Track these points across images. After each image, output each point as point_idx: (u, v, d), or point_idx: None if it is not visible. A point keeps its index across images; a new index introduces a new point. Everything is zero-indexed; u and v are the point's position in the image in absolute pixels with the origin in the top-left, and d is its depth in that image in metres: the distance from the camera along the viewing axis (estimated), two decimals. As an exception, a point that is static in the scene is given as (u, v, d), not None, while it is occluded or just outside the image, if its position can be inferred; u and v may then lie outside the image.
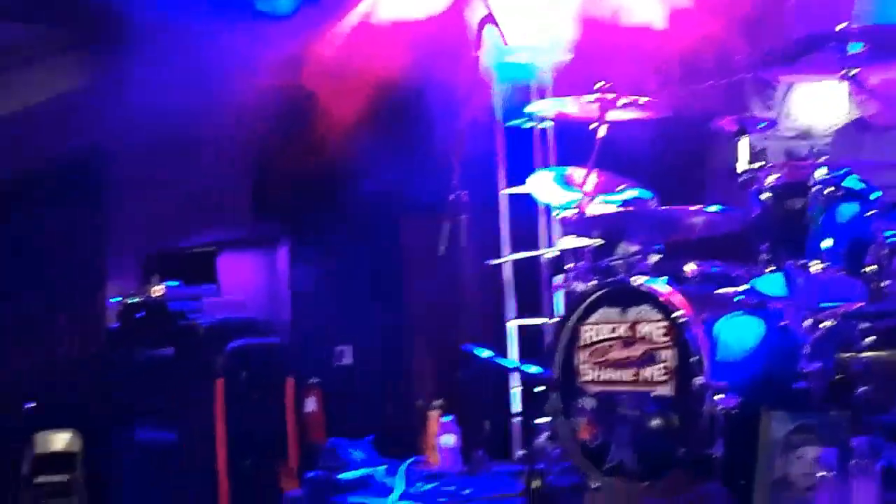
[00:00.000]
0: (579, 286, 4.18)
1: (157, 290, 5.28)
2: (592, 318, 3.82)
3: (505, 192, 5.68)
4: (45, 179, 6.77)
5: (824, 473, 3.10)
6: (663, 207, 4.28)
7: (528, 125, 5.63)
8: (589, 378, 3.78)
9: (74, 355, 7.27)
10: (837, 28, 3.76)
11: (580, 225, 4.29)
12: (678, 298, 3.59)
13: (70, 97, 6.79)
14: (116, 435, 5.67)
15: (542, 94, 5.64)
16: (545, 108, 4.98)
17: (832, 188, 3.62)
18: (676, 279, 3.82)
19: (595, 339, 3.79)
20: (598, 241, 4.24)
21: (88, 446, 7.36)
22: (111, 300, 6.15)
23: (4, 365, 8.01)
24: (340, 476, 4.23)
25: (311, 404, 5.87)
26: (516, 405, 5.45)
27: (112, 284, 7.08)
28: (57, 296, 7.53)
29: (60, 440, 7.49)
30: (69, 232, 7.17)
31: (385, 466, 4.39)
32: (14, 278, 7.94)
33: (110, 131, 6.51)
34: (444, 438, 4.90)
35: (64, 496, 7.33)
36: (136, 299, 5.40)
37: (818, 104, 4.93)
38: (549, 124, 5.56)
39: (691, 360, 3.45)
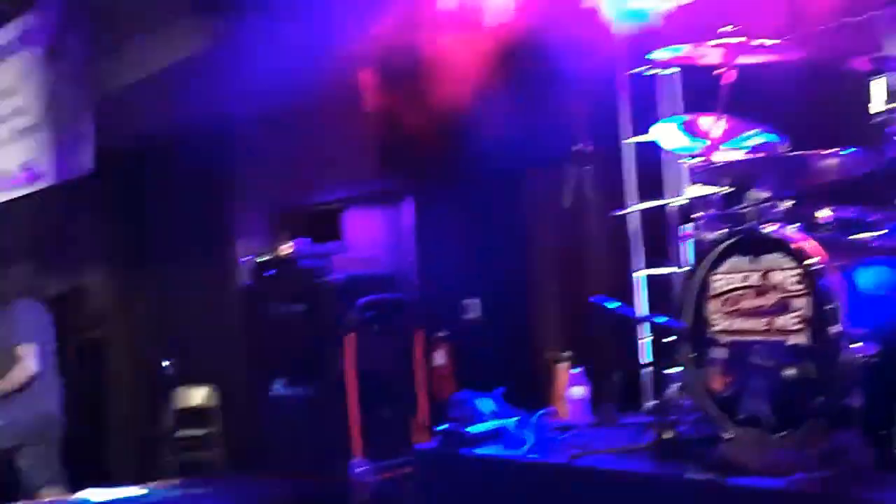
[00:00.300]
0: (709, 235, 4.10)
1: (287, 248, 5.36)
2: (723, 268, 3.75)
3: (629, 140, 5.59)
4: (173, 143, 6.93)
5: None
6: (795, 152, 4.16)
7: (652, 72, 5.52)
8: (720, 328, 3.72)
9: (209, 313, 7.48)
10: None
11: (708, 173, 4.20)
12: (811, 245, 3.50)
13: (194, 62, 6.92)
14: (252, 390, 5.81)
15: (665, 40, 5.53)
16: (669, 55, 4.88)
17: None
18: (809, 226, 3.73)
19: (726, 288, 3.72)
20: (728, 189, 4.15)
21: (226, 401, 7.59)
22: (242, 259, 6.27)
23: (147, 323, 8.29)
24: (471, 429, 4.25)
25: (439, 358, 5.92)
26: (645, 356, 5.40)
27: (242, 243, 7.25)
28: (189, 255, 7.74)
29: (199, 395, 7.73)
30: (199, 192, 7.34)
31: (516, 419, 4.39)
32: (147, 239, 8.19)
33: (236, 93, 6.61)
34: (573, 390, 4.88)
35: (203, 449, 7.57)
36: (267, 257, 5.49)
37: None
38: (673, 70, 5.44)
39: (827, 308, 3.36)
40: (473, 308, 6.42)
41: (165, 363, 7.84)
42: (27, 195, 7.52)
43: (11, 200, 7.68)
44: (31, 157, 7.35)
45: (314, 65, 6.25)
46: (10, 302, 6.85)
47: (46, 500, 6.65)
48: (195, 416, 7.68)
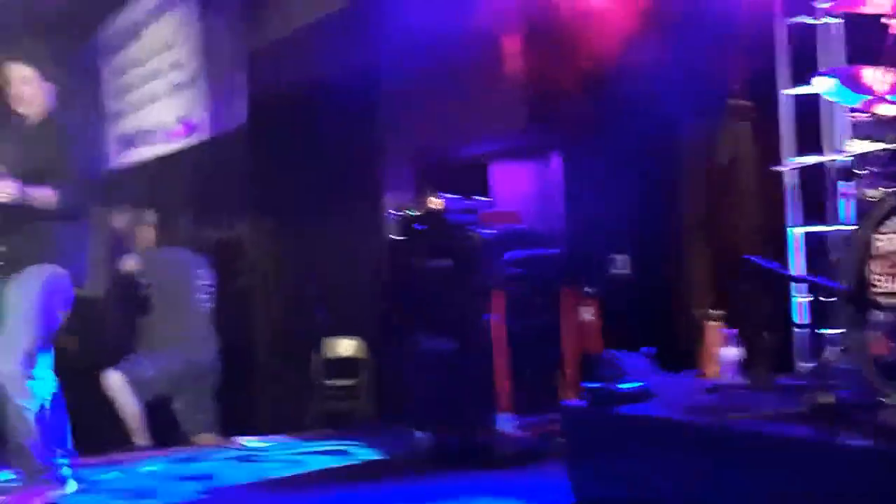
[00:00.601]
0: (872, 193, 3.94)
1: (435, 202, 5.36)
2: (887, 227, 3.60)
3: (788, 92, 5.39)
4: (323, 95, 6.99)
5: None
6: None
7: (813, 21, 5.30)
8: (883, 290, 3.58)
9: (357, 265, 7.56)
10: None
11: (873, 127, 4.03)
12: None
13: (345, 14, 6.95)
14: (399, 343, 5.85)
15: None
16: (832, 2, 4.70)
17: None
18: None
19: (890, 249, 3.58)
20: (894, 146, 3.97)
21: (373, 353, 7.68)
22: (390, 212, 6.31)
23: (297, 274, 8.44)
24: (620, 387, 4.20)
25: (587, 314, 5.86)
26: (800, 317, 5.25)
27: (390, 196, 7.29)
28: (338, 207, 7.83)
29: (347, 346, 7.85)
30: (348, 145, 7.41)
31: (665, 378, 4.33)
32: (298, 190, 8.31)
33: (385, 46, 6.62)
34: (726, 351, 4.77)
35: (351, 399, 7.70)
36: (415, 212, 5.50)
37: None
38: (836, 20, 5.22)
39: None
40: (622, 264, 6.33)
41: (315, 313, 7.98)
42: (184, 147, 7.71)
43: (169, 153, 7.89)
44: (187, 111, 7.53)
45: (462, 18, 6.21)
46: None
47: (201, 445, 6.86)
48: (343, 366, 7.80)
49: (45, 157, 5.02)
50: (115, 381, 6.66)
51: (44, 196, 4.92)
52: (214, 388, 7.05)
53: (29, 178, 4.94)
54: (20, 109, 5.17)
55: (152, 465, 5.95)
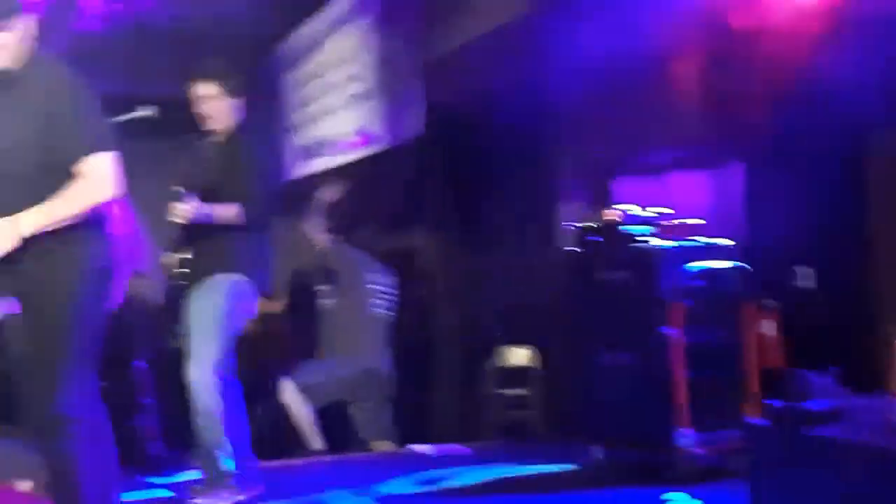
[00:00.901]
0: None
1: (612, 213, 5.30)
2: None
3: None
4: (498, 105, 6.99)
5: None
6: None
7: None
8: None
9: (532, 275, 7.54)
10: None
11: None
12: None
13: (520, 24, 6.94)
14: (575, 354, 5.80)
15: None
16: None
17: None
18: None
19: None
20: None
21: (546, 363, 7.65)
22: (566, 223, 6.26)
23: (471, 283, 8.47)
24: (808, 407, 4.04)
25: (768, 328, 5.69)
26: None
27: (565, 206, 7.25)
28: (513, 217, 7.83)
29: (521, 356, 7.84)
30: (524, 155, 7.39)
31: (856, 399, 4.15)
32: (473, 200, 8.35)
33: (559, 55, 6.58)
34: (918, 370, 4.55)
35: (523, 409, 7.68)
36: (592, 223, 5.45)
37: None
38: None
39: None
40: (806, 277, 6.13)
41: (488, 323, 7.99)
42: (362, 158, 7.82)
43: (347, 163, 8.02)
44: (365, 122, 7.64)
45: (640, 25, 6.12)
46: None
47: (376, 452, 6.95)
48: (516, 375, 7.79)
49: (232, 171, 5.18)
50: (287, 389, 6.81)
51: (226, 214, 5.07)
52: (390, 395, 7.13)
53: (215, 192, 5.11)
54: (209, 126, 5.34)
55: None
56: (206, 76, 5.29)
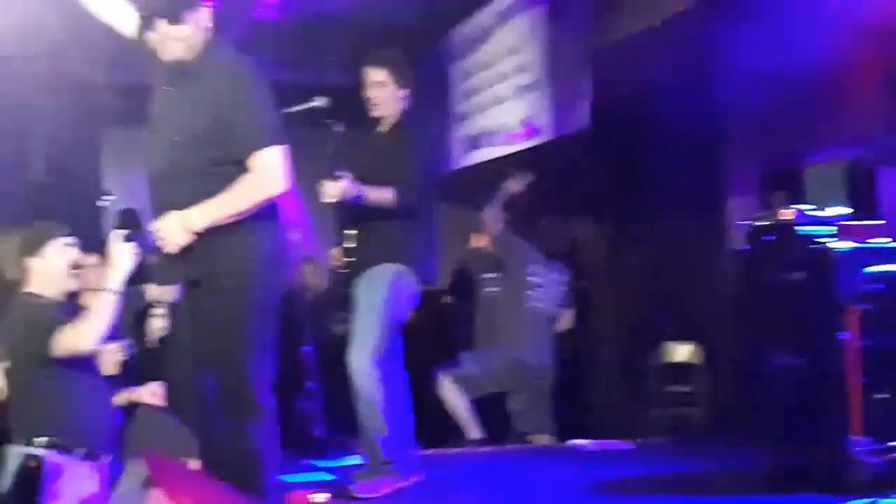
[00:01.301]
0: None
1: (788, 212, 5.12)
2: None
3: None
4: (666, 98, 6.87)
5: None
6: None
7: None
8: None
9: (699, 272, 7.39)
10: None
11: None
12: None
13: (689, 14, 6.79)
14: (743, 354, 5.66)
15: None
16: None
17: None
18: None
19: None
20: None
21: (711, 361, 7.49)
22: (738, 220, 6.10)
23: (635, 277, 8.37)
24: None
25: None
26: None
27: (736, 203, 7.07)
28: (680, 212, 7.69)
29: (685, 351, 7.70)
30: (692, 149, 7.24)
31: None
32: (639, 193, 8.23)
33: (730, 45, 6.42)
34: None
35: (687, 405, 7.54)
36: (765, 222, 5.28)
37: None
38: None
39: None
40: None
41: (653, 318, 7.88)
42: (526, 149, 7.79)
43: (511, 154, 8.00)
44: (530, 113, 7.61)
45: (814, 19, 5.92)
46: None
47: (534, 445, 6.93)
48: (680, 372, 7.66)
49: (391, 157, 5.23)
50: (444, 379, 6.84)
51: (381, 196, 5.11)
52: (549, 389, 7.09)
53: (378, 179, 5.16)
54: (376, 113, 5.40)
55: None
56: (378, 63, 5.35)
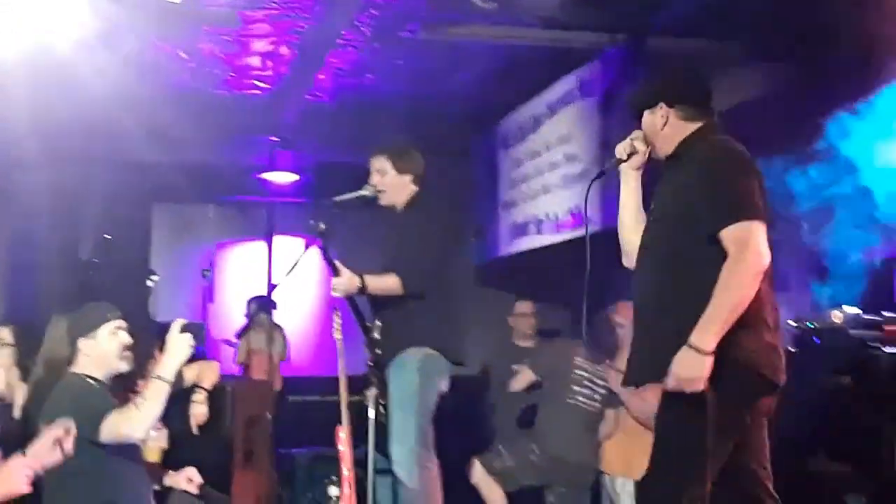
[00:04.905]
0: None
1: (837, 314, 5.06)
2: None
3: None
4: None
5: None
6: None
7: None
8: None
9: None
10: None
11: None
12: None
13: (754, 104, 6.77)
14: (787, 459, 5.55)
15: None
16: None
17: None
18: None
19: None
20: None
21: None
22: (788, 323, 6.02)
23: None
24: None
25: None
26: None
27: (788, 304, 6.95)
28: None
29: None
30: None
31: None
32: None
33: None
34: None
35: None
36: (814, 324, 5.22)
37: None
38: None
39: None
40: None
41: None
42: (571, 239, 7.76)
43: (558, 243, 7.97)
44: (578, 203, 7.60)
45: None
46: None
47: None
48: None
49: (401, 245, 5.31)
50: (476, 470, 6.75)
51: (384, 284, 5.15)
52: (587, 483, 6.93)
53: (389, 262, 5.23)
54: (382, 201, 5.49)
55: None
56: (377, 151, 5.49)
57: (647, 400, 6.69)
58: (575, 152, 7.65)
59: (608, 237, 7.45)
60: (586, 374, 6.84)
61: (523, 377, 6.92)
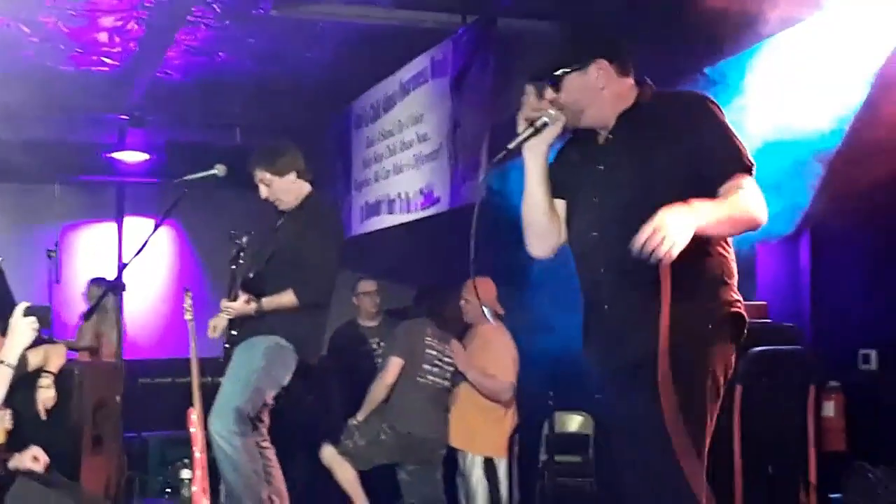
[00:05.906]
0: None
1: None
2: None
3: None
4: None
5: None
6: None
7: None
8: None
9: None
10: None
11: None
12: None
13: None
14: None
15: None
16: None
17: None
18: None
19: None
20: None
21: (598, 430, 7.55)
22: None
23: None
24: None
25: (829, 409, 5.61)
26: None
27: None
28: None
29: (576, 422, 7.76)
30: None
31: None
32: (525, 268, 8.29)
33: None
34: None
35: (578, 476, 7.57)
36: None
37: None
38: None
39: None
40: (870, 359, 6.02)
41: (545, 388, 7.90)
42: (421, 219, 7.80)
43: (407, 223, 8.01)
44: (429, 182, 7.65)
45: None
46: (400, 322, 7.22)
47: None
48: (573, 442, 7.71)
49: (294, 256, 5.42)
50: (326, 451, 6.78)
51: (278, 303, 5.33)
52: (438, 461, 7.01)
53: (279, 265, 5.36)
54: (281, 207, 5.63)
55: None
56: (252, 165, 5.57)
57: (497, 378, 6.84)
58: (427, 132, 7.69)
59: (456, 217, 7.56)
60: (435, 353, 6.93)
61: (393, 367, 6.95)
